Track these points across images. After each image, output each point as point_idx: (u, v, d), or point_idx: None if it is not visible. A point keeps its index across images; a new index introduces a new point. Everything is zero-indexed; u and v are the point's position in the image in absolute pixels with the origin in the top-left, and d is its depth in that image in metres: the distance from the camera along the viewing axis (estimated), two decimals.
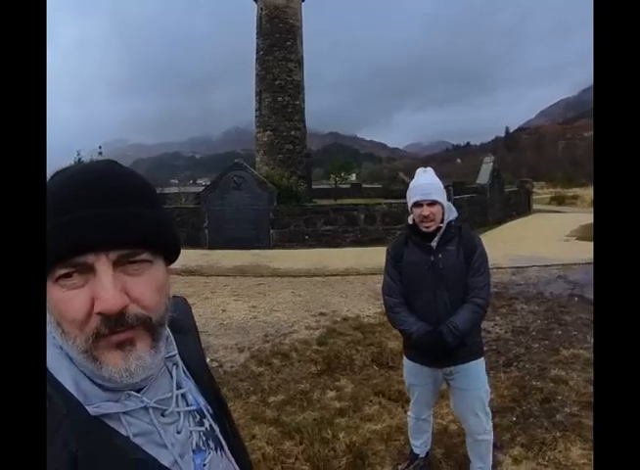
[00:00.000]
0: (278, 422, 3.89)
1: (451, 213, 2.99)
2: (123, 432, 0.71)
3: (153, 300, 0.72)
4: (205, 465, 0.82)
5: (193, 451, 0.81)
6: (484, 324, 6.44)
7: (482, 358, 3.12)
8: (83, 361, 0.69)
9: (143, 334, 0.72)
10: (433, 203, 2.85)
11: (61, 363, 0.72)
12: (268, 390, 4.52)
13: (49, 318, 0.71)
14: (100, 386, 0.72)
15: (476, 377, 3.08)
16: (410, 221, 3.04)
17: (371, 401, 4.25)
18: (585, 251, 12.18)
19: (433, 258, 2.90)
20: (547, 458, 3.40)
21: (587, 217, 22.39)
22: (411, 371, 3.24)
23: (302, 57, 23.42)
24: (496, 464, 3.37)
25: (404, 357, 3.31)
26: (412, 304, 3.02)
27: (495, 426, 3.83)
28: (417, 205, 2.87)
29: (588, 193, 34.31)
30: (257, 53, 23.03)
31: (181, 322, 0.95)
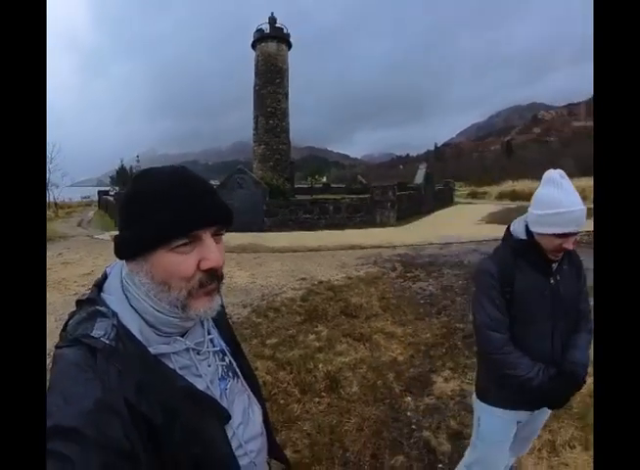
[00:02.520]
0: (273, 358, 3.89)
1: None
2: (171, 366, 0.76)
3: (223, 262, 0.78)
4: (226, 389, 0.87)
5: (219, 379, 0.86)
6: (421, 284, 6.61)
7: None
8: (171, 309, 0.75)
9: (217, 285, 0.78)
10: (575, 233, 1.57)
11: (132, 318, 0.75)
12: (265, 335, 4.52)
13: (147, 280, 0.74)
14: (157, 333, 0.77)
15: (541, 420, 1.96)
16: (522, 235, 1.67)
17: (341, 342, 4.26)
18: (492, 230, 12.34)
19: (552, 282, 1.65)
20: (468, 378, 3.44)
21: (494, 207, 22.77)
22: (494, 420, 1.83)
23: (288, 91, 23.57)
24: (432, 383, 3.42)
25: (480, 403, 1.88)
26: (522, 339, 1.68)
27: (431, 356, 3.91)
28: (563, 235, 1.53)
29: (494, 190, 34.69)
30: (255, 87, 23.07)
31: None
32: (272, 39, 22.86)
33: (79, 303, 0.78)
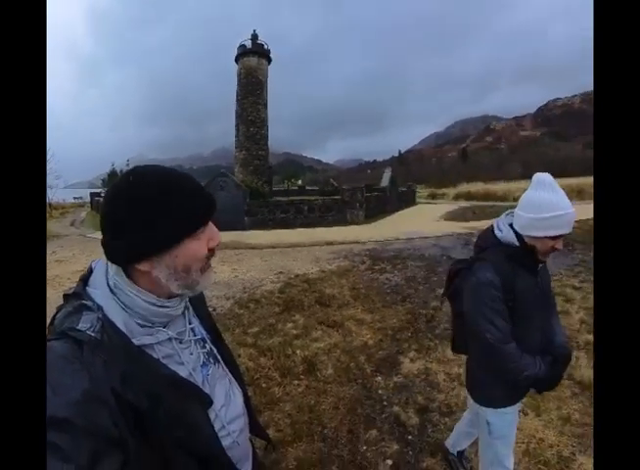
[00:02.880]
0: (255, 345, 3.85)
1: None
2: (155, 355, 0.75)
3: None
4: (208, 374, 0.86)
5: (200, 366, 0.85)
6: (388, 275, 6.67)
7: None
8: (184, 291, 0.79)
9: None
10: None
11: (116, 311, 0.73)
12: (247, 324, 4.46)
13: (166, 273, 0.75)
14: (140, 325, 0.75)
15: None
16: (513, 240, 1.54)
17: (316, 329, 4.25)
18: (449, 227, 12.67)
19: (539, 280, 1.59)
20: (432, 357, 3.52)
21: (451, 207, 23.25)
22: (505, 418, 1.74)
23: (267, 101, 23.61)
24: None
25: (487, 409, 1.74)
26: (520, 339, 1.56)
27: (397, 340, 3.96)
28: (556, 236, 1.46)
29: (451, 191, 35.35)
30: (237, 98, 23.02)
31: None
32: (253, 54, 22.90)
33: (66, 296, 0.76)
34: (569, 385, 2.94)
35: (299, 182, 26.42)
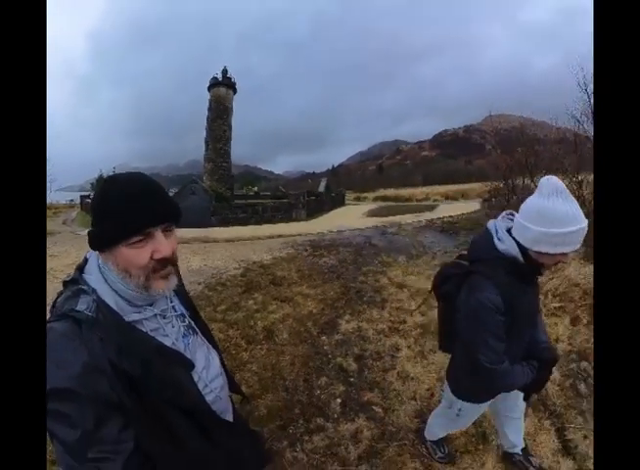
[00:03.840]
0: (224, 320, 3.72)
1: None
2: (144, 329, 0.73)
3: (174, 250, 0.74)
4: (189, 343, 0.83)
5: (182, 337, 0.82)
6: (325, 259, 6.72)
7: None
8: (138, 289, 0.70)
9: (172, 270, 0.74)
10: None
11: (108, 293, 0.70)
12: (216, 303, 4.29)
13: (113, 268, 0.69)
14: (129, 304, 0.72)
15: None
16: (517, 254, 1.10)
17: (272, 303, 4.19)
18: (370, 221, 13.09)
19: (529, 289, 1.20)
20: (362, 318, 3.62)
21: (371, 206, 23.98)
22: (475, 408, 1.47)
23: (231, 123, 22.99)
24: None
25: (462, 402, 1.44)
26: (510, 349, 1.20)
27: (335, 307, 4.02)
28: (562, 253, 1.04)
29: (371, 195, 36.36)
30: (208, 119, 22.36)
31: None
32: (223, 85, 22.46)
33: (65, 283, 0.72)
34: None
35: (255, 188, 26.02)
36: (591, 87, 5.13)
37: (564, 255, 1.04)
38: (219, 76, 22.68)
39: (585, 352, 2.65)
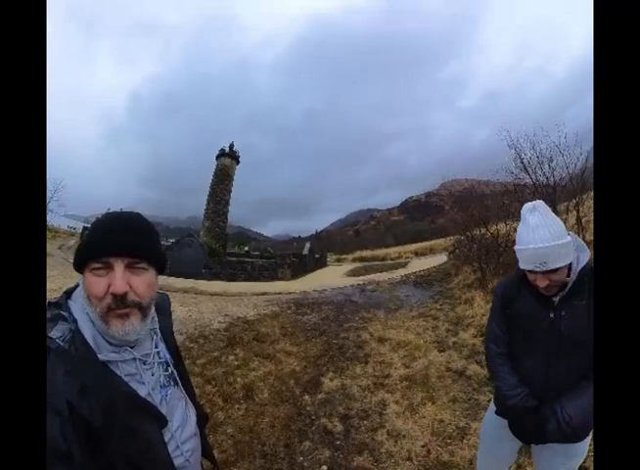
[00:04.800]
0: (202, 374, 3.31)
1: (582, 257, 1.03)
2: (118, 372, 0.62)
3: (144, 291, 0.64)
4: (167, 395, 0.71)
5: (160, 387, 0.70)
6: (308, 317, 6.43)
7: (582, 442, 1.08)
8: (100, 323, 0.61)
9: (136, 311, 0.63)
10: (552, 271, 0.98)
11: (87, 326, 0.61)
12: (196, 356, 3.88)
13: (84, 293, 0.62)
14: (108, 342, 0.63)
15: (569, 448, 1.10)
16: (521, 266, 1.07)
17: (253, 360, 3.82)
18: (350, 281, 12.99)
19: (552, 316, 1.04)
20: (345, 375, 3.33)
21: (350, 267, 24.05)
22: (492, 422, 1.27)
23: (231, 189, 24.00)
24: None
25: (490, 410, 1.31)
26: (518, 361, 1.16)
27: (318, 365, 3.72)
28: (531, 271, 1.03)
29: (350, 256, 36.85)
30: (211, 183, 23.38)
31: (164, 308, 0.85)
32: (229, 156, 24.07)
33: (49, 305, 0.63)
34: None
35: (246, 248, 26.20)
36: (519, 145, 5.95)
37: (531, 273, 1.03)
38: (227, 149, 25.02)
39: None
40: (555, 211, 5.29)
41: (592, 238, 4.99)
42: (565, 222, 5.13)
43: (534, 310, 1.09)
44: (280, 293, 10.50)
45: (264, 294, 10.26)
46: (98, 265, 0.60)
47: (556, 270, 0.98)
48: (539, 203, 1.03)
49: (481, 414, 2.24)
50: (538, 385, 1.10)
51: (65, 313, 0.61)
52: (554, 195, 5.38)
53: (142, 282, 0.64)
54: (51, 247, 16.93)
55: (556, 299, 1.05)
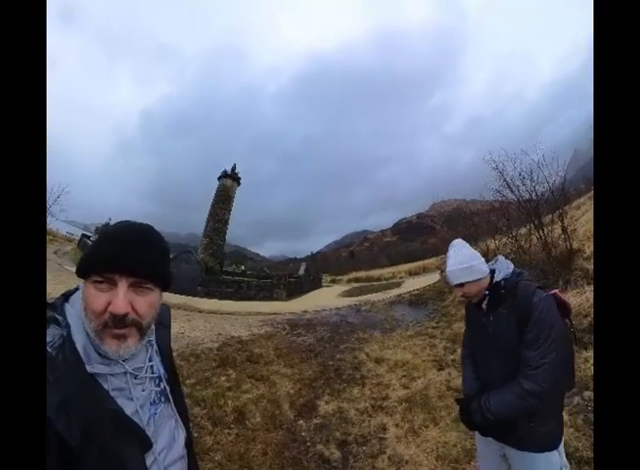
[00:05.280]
0: (191, 395, 3.08)
1: (501, 272, 1.24)
2: (105, 386, 0.56)
3: (146, 312, 0.59)
4: (156, 413, 0.64)
5: (150, 404, 0.63)
6: (303, 337, 6.22)
7: (547, 454, 1.13)
8: (94, 337, 0.56)
9: (134, 332, 0.58)
10: (462, 284, 1.24)
11: (78, 332, 0.56)
12: (186, 376, 3.64)
13: (81, 303, 0.57)
14: (99, 354, 0.57)
15: None
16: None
17: (245, 382, 3.61)
18: (345, 301, 12.75)
19: (484, 320, 1.25)
20: (342, 397, 3.13)
21: (345, 287, 23.78)
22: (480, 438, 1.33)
23: (231, 209, 24.15)
24: None
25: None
26: (475, 361, 1.34)
27: (313, 387, 3.51)
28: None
29: (345, 277, 36.61)
30: (212, 202, 23.50)
31: (164, 320, 0.77)
32: (230, 178, 24.35)
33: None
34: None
35: (243, 267, 26.01)
36: (501, 165, 6.21)
37: (455, 287, 1.26)
38: (229, 170, 25.69)
39: (582, 381, 2.30)
40: (540, 223, 5.37)
41: (579, 246, 5.02)
42: (550, 233, 5.23)
43: (476, 316, 1.30)
44: (275, 313, 10.26)
45: (259, 314, 10.02)
46: (100, 279, 0.55)
47: (462, 285, 1.22)
48: (458, 240, 1.29)
49: None
50: (485, 381, 1.26)
51: (59, 317, 0.56)
52: (538, 209, 5.48)
53: (145, 303, 0.59)
54: (47, 251, 16.64)
55: (484, 306, 1.25)
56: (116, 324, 0.55)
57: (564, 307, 1.16)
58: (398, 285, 17.80)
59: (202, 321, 7.70)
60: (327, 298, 16.22)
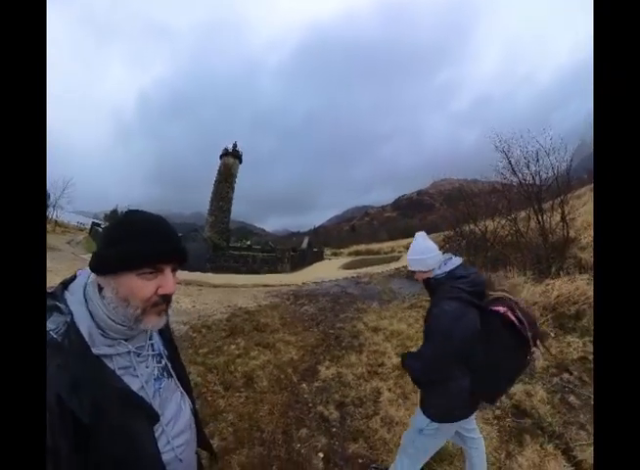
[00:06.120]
0: (204, 363, 3.24)
1: (435, 270, 1.34)
2: (111, 366, 0.58)
3: (175, 288, 0.64)
4: (160, 388, 0.66)
5: (154, 379, 0.66)
6: (306, 307, 6.36)
7: (420, 415, 1.34)
8: (125, 321, 0.59)
9: (167, 307, 0.64)
10: (413, 272, 1.41)
11: (84, 319, 0.57)
12: (198, 346, 3.80)
13: (110, 295, 0.59)
14: (103, 335, 0.59)
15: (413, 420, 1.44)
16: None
17: (253, 349, 3.76)
18: (345, 273, 12.96)
19: (429, 306, 1.35)
20: (341, 363, 3.25)
21: (346, 260, 24.09)
22: None
23: (234, 187, 23.80)
24: None
25: None
26: None
27: (315, 353, 3.66)
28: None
29: (346, 250, 36.93)
30: (215, 181, 23.15)
31: None
32: (232, 156, 24.05)
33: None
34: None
35: (248, 242, 26.14)
36: (507, 148, 5.88)
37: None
38: (230, 148, 24.87)
39: (563, 363, 2.43)
40: (541, 208, 5.25)
41: (576, 235, 4.97)
42: (550, 219, 5.14)
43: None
44: (280, 285, 10.46)
45: (265, 286, 10.21)
46: (150, 270, 0.59)
47: (414, 272, 1.41)
48: (420, 233, 1.43)
49: None
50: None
51: (60, 305, 0.56)
52: (539, 194, 5.32)
53: (175, 281, 0.65)
54: (60, 242, 16.90)
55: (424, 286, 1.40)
56: (161, 303, 0.61)
57: (518, 319, 1.13)
58: (397, 259, 17.93)
59: (211, 295, 7.87)
60: (328, 270, 16.48)
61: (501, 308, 1.15)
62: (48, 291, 0.59)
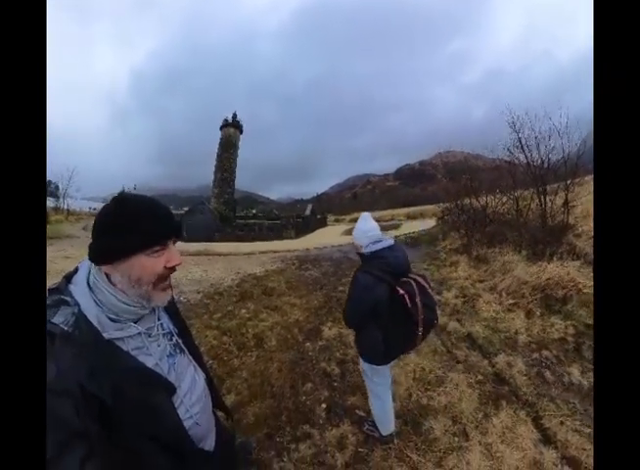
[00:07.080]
0: (218, 327, 3.39)
1: (367, 248, 1.46)
2: (125, 348, 0.59)
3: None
4: (174, 364, 0.68)
5: (167, 356, 0.67)
6: (310, 272, 6.50)
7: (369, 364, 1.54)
8: (138, 301, 0.60)
9: (170, 281, 0.66)
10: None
11: (91, 307, 0.56)
12: (213, 311, 3.96)
13: (121, 279, 0.58)
14: (112, 320, 0.58)
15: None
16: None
17: (262, 312, 3.90)
18: (347, 239, 12.97)
19: None
20: (342, 325, 3.31)
21: (347, 227, 24.11)
22: None
23: (237, 157, 23.41)
24: None
25: None
26: None
27: (319, 315, 3.76)
28: None
29: (348, 217, 36.89)
30: (217, 153, 22.66)
31: None
32: (232, 126, 23.56)
33: (50, 291, 0.58)
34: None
35: (254, 211, 26.10)
36: (518, 126, 5.40)
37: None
38: (230, 119, 23.70)
39: (544, 341, 2.53)
40: (544, 190, 4.97)
41: (574, 222, 4.78)
42: (552, 203, 4.89)
43: None
44: (285, 251, 10.61)
45: (271, 252, 10.37)
46: (159, 248, 0.59)
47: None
48: (365, 214, 1.63)
49: (458, 366, 2.32)
50: None
51: (67, 298, 0.56)
52: (546, 176, 5.00)
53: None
54: (76, 229, 16.88)
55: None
56: (166, 278, 0.62)
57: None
58: (396, 227, 17.87)
59: (221, 263, 8.01)
60: (331, 236, 16.59)
61: (401, 291, 1.28)
62: (52, 287, 0.59)
